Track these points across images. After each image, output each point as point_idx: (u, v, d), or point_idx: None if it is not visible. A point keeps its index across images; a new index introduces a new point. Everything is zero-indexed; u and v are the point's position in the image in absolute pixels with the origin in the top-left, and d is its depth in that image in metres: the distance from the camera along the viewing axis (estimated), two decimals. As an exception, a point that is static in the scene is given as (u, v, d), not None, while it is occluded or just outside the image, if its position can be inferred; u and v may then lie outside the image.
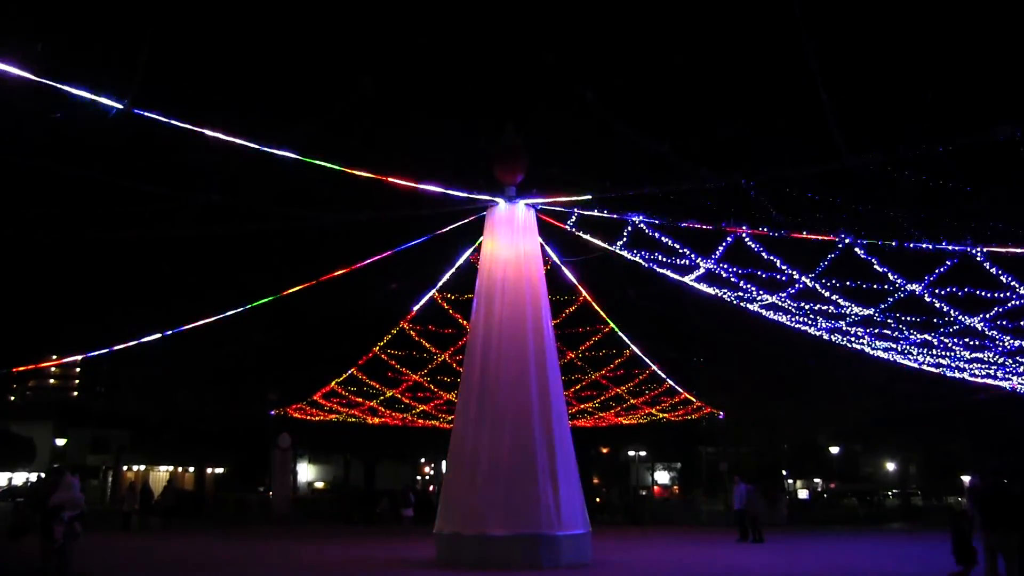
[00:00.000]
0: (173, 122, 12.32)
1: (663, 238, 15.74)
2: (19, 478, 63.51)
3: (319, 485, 69.20)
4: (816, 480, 71.67)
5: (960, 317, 15.76)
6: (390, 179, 15.47)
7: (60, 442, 60.00)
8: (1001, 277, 13.11)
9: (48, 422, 64.44)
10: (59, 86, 10.84)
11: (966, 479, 37.06)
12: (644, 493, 56.60)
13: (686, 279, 19.01)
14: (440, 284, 22.68)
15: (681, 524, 36.35)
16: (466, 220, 18.32)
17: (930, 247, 12.18)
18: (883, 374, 26.07)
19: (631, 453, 64.78)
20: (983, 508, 13.28)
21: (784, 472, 62.24)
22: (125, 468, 62.93)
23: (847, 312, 17.30)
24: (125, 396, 63.59)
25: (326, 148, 14.52)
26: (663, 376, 30.28)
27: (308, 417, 36.02)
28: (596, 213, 16.09)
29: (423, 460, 73.38)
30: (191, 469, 65.20)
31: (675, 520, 38.17)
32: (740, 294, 18.54)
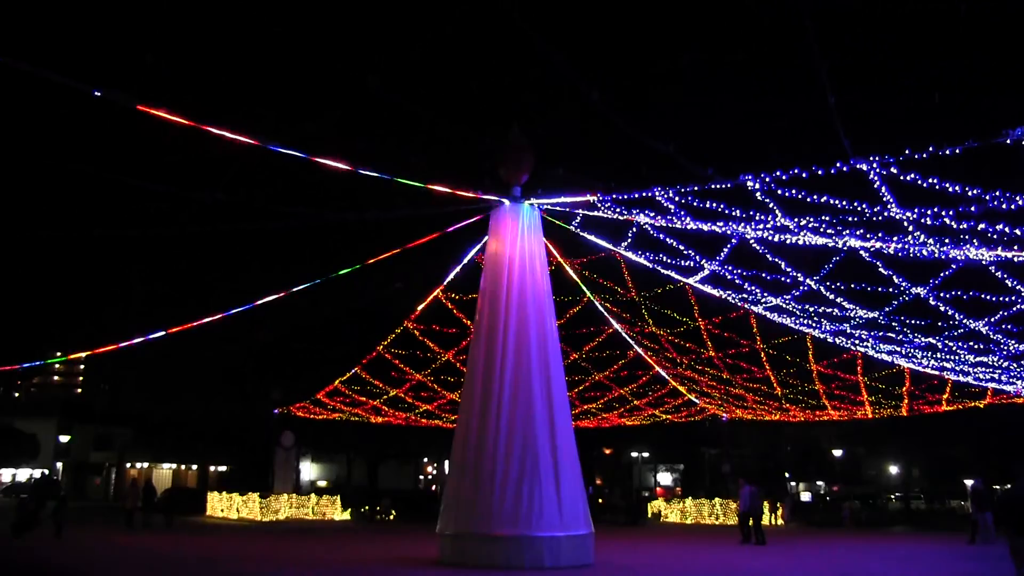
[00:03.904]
0: (179, 119, 12.35)
1: (668, 239, 15.75)
2: (23, 474, 63.70)
3: (322, 484, 69.27)
4: (819, 483, 71.65)
5: (965, 321, 15.74)
6: (396, 178, 15.48)
7: (64, 439, 60.20)
8: (1006, 281, 13.08)
9: (52, 419, 64.67)
10: (66, 82, 10.86)
11: (969, 483, 36.96)
12: (647, 494, 56.56)
13: (690, 280, 19.02)
14: (444, 284, 22.70)
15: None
16: (471, 220, 18.32)
17: (937, 253, 12.17)
18: (887, 377, 26.06)
19: (634, 454, 64.84)
20: (1007, 512, 13.04)
21: (787, 474, 62.24)
22: (128, 465, 63.08)
23: (852, 315, 17.29)
24: (129, 394, 63.86)
25: (332, 147, 14.54)
26: (667, 377, 30.30)
27: (311, 416, 36.10)
28: (601, 214, 16.09)
29: (426, 459, 73.48)
30: (194, 467, 65.35)
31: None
32: (744, 296, 18.55)
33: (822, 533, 31.46)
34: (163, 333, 20.40)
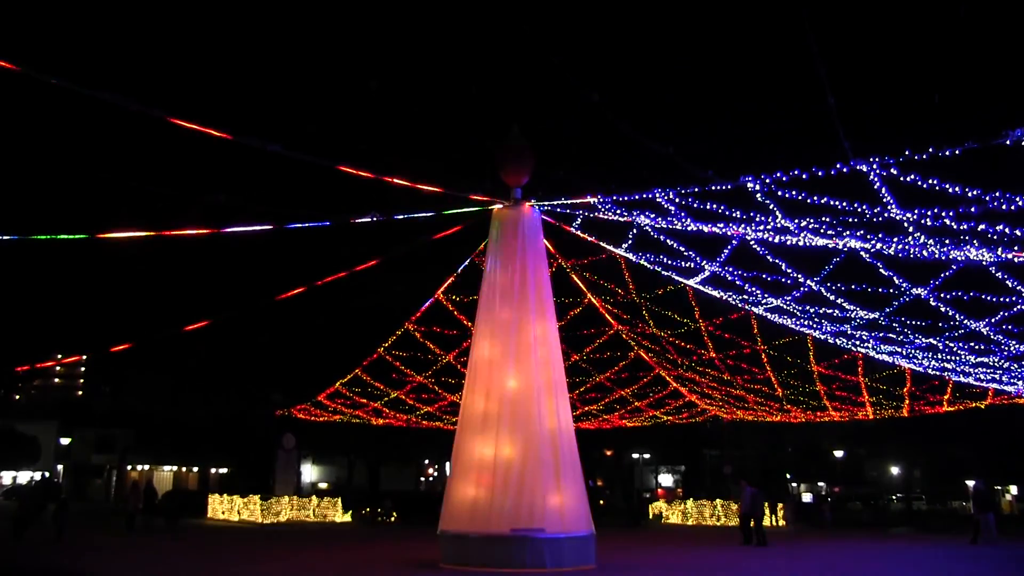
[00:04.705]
0: (179, 123, 12.36)
1: (668, 240, 15.74)
2: (24, 477, 63.69)
3: (323, 486, 69.25)
4: (820, 484, 71.58)
5: (965, 321, 15.73)
6: (396, 180, 15.50)
7: (64, 441, 60.18)
8: (1007, 282, 13.08)
9: (53, 421, 64.65)
10: (67, 85, 10.88)
11: (970, 483, 36.97)
12: (648, 496, 56.54)
13: (691, 282, 19.01)
14: (445, 286, 22.70)
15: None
16: (472, 221, 18.33)
17: (937, 254, 12.17)
18: (888, 378, 26.05)
19: (635, 456, 64.74)
20: None
21: (788, 476, 62.20)
22: (129, 468, 63.03)
23: (852, 316, 17.29)
24: (130, 396, 63.87)
25: (332, 149, 14.56)
26: (668, 379, 30.28)
27: (312, 418, 36.09)
28: (601, 215, 16.09)
29: (427, 461, 73.46)
30: (195, 469, 65.31)
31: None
32: (745, 297, 18.54)
33: (823, 534, 31.43)
34: (163, 335, 20.42)
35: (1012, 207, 10.04)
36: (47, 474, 54.48)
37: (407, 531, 29.33)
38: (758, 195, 11.75)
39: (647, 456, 66.74)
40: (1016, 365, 19.72)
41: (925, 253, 12.33)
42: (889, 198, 10.68)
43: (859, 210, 11.28)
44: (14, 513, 24.32)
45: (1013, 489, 61.70)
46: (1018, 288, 13.16)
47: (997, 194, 9.97)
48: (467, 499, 15.66)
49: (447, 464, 44.88)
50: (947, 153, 9.50)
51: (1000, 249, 11.43)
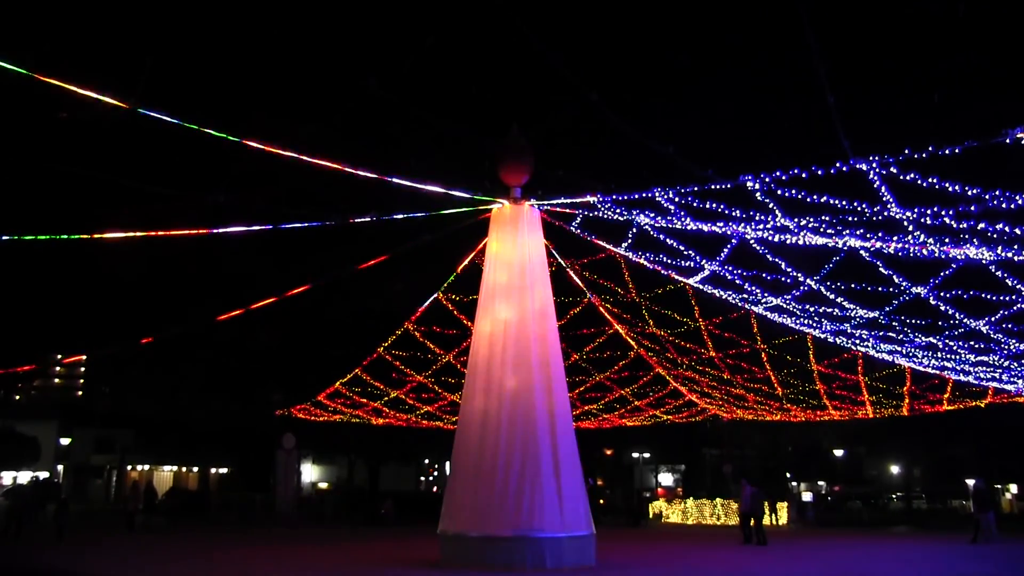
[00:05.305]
0: (178, 122, 12.35)
1: (668, 239, 15.74)
2: (24, 477, 63.68)
3: (323, 486, 69.24)
4: (820, 483, 71.57)
5: (965, 320, 15.73)
6: (395, 180, 15.49)
7: (65, 441, 60.17)
8: (1007, 280, 13.07)
9: (53, 421, 64.63)
10: (65, 86, 10.88)
11: (970, 482, 36.96)
12: (648, 495, 56.57)
13: (691, 281, 19.01)
14: (445, 285, 22.69)
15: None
16: (471, 221, 18.32)
17: (937, 253, 12.16)
18: (888, 377, 26.04)
19: (635, 455, 64.75)
20: None
21: (788, 475, 62.17)
22: (129, 468, 63.08)
23: (852, 315, 17.28)
24: (130, 396, 63.80)
25: (331, 148, 14.55)
26: (668, 378, 30.27)
27: (312, 418, 36.07)
28: (601, 214, 16.08)
29: (427, 461, 73.44)
30: (195, 469, 65.36)
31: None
32: (745, 296, 18.54)
33: (824, 533, 31.43)
34: (163, 335, 20.43)
35: (1012, 206, 10.03)
36: (46, 475, 54.56)
37: (407, 531, 29.32)
38: (758, 194, 11.74)
39: (647, 455, 66.72)
40: (1016, 364, 19.71)
41: (925, 252, 12.33)
42: (889, 197, 10.67)
43: (859, 209, 11.27)
44: (13, 511, 24.38)
45: (1013, 488, 61.67)
46: (1018, 287, 13.16)
47: (997, 192, 9.97)
48: (467, 499, 15.65)
49: (447, 464, 44.88)
50: (947, 152, 9.49)
51: (1000, 248, 11.42)
